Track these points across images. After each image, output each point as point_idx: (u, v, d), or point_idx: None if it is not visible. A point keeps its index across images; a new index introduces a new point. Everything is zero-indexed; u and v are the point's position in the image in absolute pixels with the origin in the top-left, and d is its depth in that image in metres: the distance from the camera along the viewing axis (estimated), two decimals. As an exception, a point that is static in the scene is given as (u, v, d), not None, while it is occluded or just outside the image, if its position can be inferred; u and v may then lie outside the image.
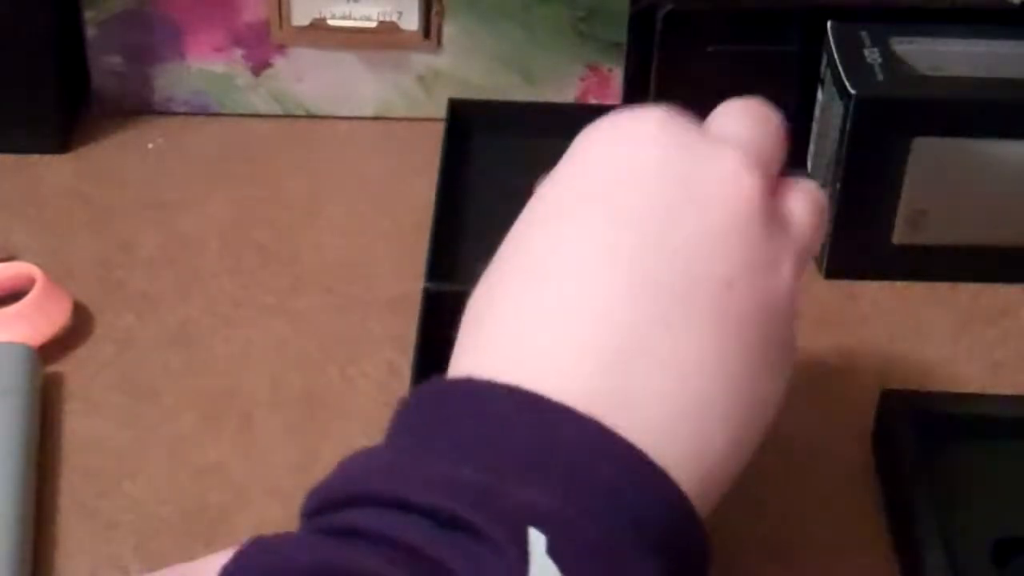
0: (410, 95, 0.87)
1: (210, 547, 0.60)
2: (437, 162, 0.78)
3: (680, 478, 0.42)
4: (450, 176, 0.78)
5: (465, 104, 0.83)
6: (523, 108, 0.84)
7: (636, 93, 0.85)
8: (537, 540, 0.38)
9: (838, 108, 0.73)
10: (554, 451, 0.40)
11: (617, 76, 0.86)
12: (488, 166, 0.81)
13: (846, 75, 0.73)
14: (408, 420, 0.44)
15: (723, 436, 0.44)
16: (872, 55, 0.74)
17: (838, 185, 0.74)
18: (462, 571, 0.38)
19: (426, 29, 0.84)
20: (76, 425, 0.67)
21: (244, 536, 0.61)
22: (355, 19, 0.84)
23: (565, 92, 0.86)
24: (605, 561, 0.39)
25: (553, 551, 0.38)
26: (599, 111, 0.85)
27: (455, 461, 0.41)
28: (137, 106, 0.86)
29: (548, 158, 0.82)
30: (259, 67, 0.86)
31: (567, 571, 0.38)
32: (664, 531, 0.40)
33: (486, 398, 0.42)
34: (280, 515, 0.62)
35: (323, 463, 0.64)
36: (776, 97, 0.83)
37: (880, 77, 0.73)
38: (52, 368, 0.69)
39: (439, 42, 0.85)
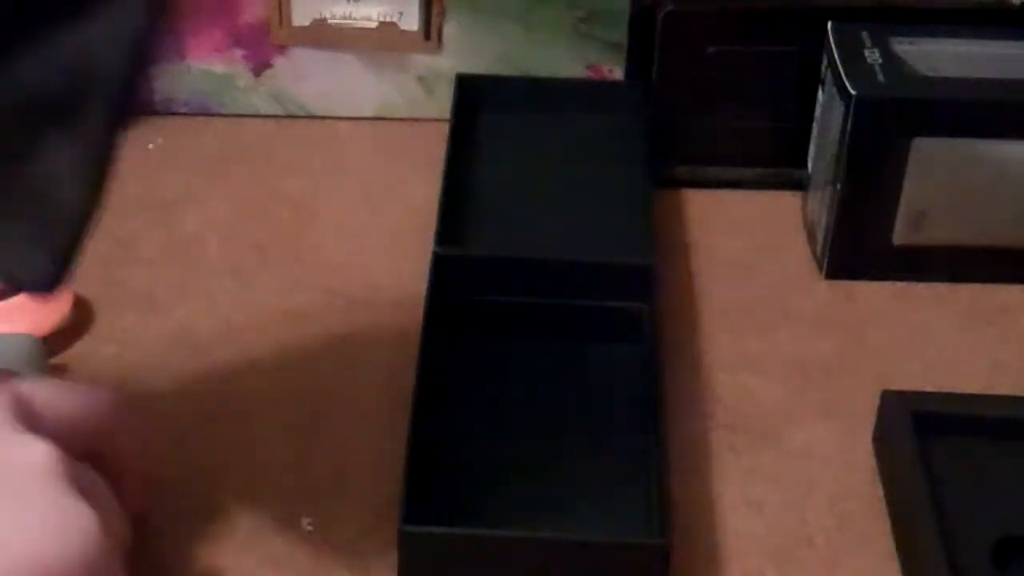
0: (410, 95, 0.87)
1: (211, 547, 0.60)
2: (437, 162, 0.78)
3: None
4: (458, 147, 0.79)
5: (472, 79, 0.84)
6: (530, 83, 0.85)
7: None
8: None
9: (838, 108, 0.73)
10: None
11: (617, 76, 0.86)
12: (495, 138, 0.82)
13: (846, 75, 0.73)
14: None
15: None
16: (872, 55, 0.74)
17: (838, 185, 0.74)
18: None
19: (426, 30, 0.84)
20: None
21: (244, 537, 0.61)
22: (355, 19, 0.84)
23: (565, 92, 0.86)
24: None
25: None
26: (603, 86, 0.86)
27: None
28: (137, 106, 0.86)
29: (552, 130, 0.83)
30: (259, 67, 0.86)
31: None
32: None
33: None
34: (280, 515, 0.62)
35: (323, 463, 0.65)
36: (776, 97, 0.84)
37: (880, 77, 0.73)
38: (54, 363, 0.69)
39: (439, 43, 0.85)
